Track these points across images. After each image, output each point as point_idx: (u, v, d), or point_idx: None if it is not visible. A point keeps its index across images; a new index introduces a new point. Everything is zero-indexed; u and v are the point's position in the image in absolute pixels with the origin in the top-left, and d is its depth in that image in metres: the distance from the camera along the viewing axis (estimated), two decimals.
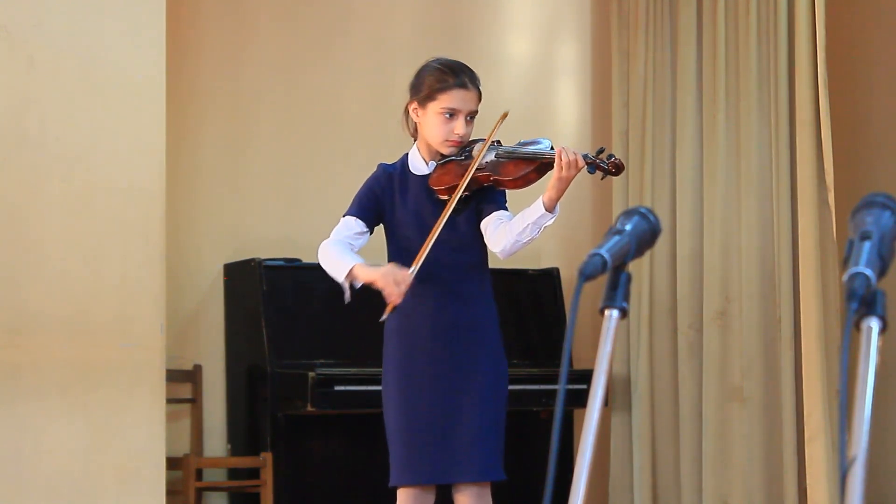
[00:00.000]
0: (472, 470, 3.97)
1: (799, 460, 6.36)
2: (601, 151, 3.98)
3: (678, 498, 6.85)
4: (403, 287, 3.85)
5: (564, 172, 3.87)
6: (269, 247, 6.65)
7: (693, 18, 6.88)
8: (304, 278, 6.46)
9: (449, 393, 3.99)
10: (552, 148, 4.01)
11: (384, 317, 3.91)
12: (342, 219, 4.11)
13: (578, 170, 3.90)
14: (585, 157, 3.92)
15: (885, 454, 6.68)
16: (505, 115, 4.10)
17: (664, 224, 6.67)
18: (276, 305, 6.42)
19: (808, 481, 6.10)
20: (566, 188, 3.90)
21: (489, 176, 4.00)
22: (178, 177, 6.34)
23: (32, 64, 5.42)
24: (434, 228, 3.94)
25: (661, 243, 6.82)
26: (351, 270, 3.94)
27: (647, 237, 2.15)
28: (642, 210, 2.17)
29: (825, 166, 6.17)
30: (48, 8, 5.47)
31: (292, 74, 6.91)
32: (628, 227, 2.13)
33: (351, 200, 4.15)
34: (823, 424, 6.05)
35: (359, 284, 3.98)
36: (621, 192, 7.11)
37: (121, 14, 5.58)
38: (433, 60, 4.12)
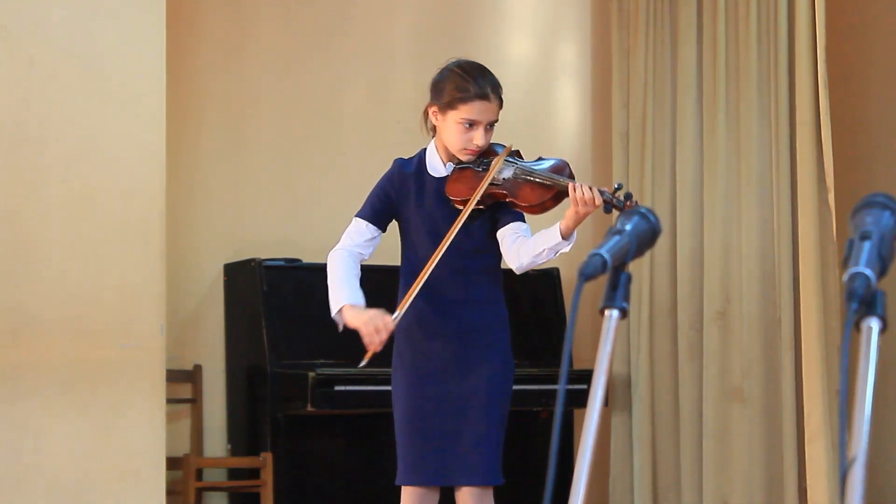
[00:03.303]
0: (476, 473, 3.97)
1: (799, 460, 6.36)
2: (619, 188, 3.87)
3: (678, 498, 6.85)
4: (384, 335, 3.82)
5: (581, 209, 3.82)
6: (269, 247, 6.64)
7: (693, 18, 6.88)
8: (304, 278, 6.46)
9: (456, 395, 3.99)
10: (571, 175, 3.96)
11: (362, 363, 3.83)
12: (354, 219, 4.07)
13: (595, 208, 3.82)
14: (602, 193, 3.83)
15: (885, 454, 6.68)
16: (509, 149, 4.03)
17: (664, 224, 6.68)
18: (276, 305, 6.42)
19: (808, 481, 6.10)
20: (582, 220, 3.85)
21: (506, 196, 3.95)
22: (178, 177, 6.33)
23: (32, 64, 5.42)
24: (438, 249, 3.90)
25: (662, 243, 6.82)
26: (341, 309, 3.92)
27: (647, 237, 2.15)
28: (642, 210, 2.17)
29: (825, 166, 6.17)
30: (48, 8, 5.47)
31: (292, 74, 6.90)
32: (628, 227, 2.13)
33: (364, 199, 4.09)
34: (823, 424, 6.04)
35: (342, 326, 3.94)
36: None
37: (121, 14, 5.58)
38: (455, 63, 4.03)
